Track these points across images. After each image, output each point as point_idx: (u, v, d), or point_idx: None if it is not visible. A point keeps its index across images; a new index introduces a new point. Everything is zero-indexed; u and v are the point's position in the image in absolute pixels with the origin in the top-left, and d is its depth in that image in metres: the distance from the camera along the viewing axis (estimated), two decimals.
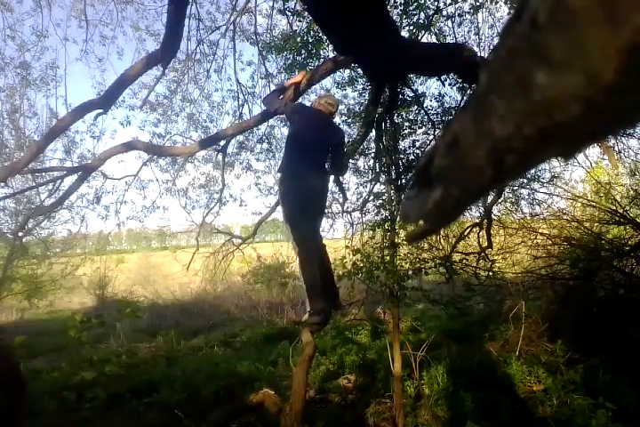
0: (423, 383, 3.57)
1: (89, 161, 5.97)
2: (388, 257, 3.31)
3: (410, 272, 3.29)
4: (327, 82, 6.70)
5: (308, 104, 3.04)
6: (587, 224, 4.66)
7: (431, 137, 4.15)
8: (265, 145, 6.31)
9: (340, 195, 4.85)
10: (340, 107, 5.51)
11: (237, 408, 2.21)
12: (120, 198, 6.70)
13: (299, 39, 4.23)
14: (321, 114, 2.53)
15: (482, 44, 4.86)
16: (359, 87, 4.55)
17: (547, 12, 0.16)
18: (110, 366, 4.89)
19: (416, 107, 4.20)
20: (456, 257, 4.62)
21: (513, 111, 0.18)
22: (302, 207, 2.33)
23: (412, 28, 3.78)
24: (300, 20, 4.30)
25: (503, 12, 5.25)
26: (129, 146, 3.69)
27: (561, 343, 3.88)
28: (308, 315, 2.38)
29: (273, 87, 6.14)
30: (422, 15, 3.79)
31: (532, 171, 4.65)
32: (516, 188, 5.26)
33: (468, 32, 4.76)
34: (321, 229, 2.66)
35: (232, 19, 5.56)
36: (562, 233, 4.88)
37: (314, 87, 4.71)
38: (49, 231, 8.95)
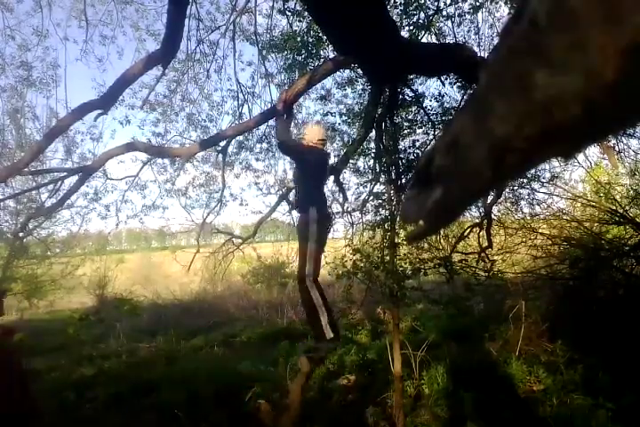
0: (423, 383, 3.56)
1: (89, 161, 5.98)
2: (387, 257, 3.32)
3: (409, 272, 3.29)
4: (327, 82, 6.70)
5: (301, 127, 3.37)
6: (587, 224, 4.66)
7: (431, 137, 4.14)
8: (265, 145, 6.30)
9: (340, 195, 4.84)
10: (340, 107, 5.52)
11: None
12: (120, 198, 6.70)
13: (299, 39, 4.23)
14: (321, 152, 2.89)
15: (482, 44, 4.85)
16: (359, 87, 4.55)
17: (546, 12, 0.16)
18: (110, 364, 4.91)
19: (416, 107, 4.20)
20: (456, 257, 4.62)
21: (513, 111, 0.18)
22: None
23: (411, 28, 3.78)
24: (299, 20, 4.30)
25: (503, 11, 5.24)
26: (129, 147, 3.70)
27: (561, 343, 3.88)
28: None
29: (273, 87, 6.15)
30: (422, 15, 3.80)
31: (532, 171, 4.65)
32: (516, 188, 5.25)
33: (468, 32, 4.76)
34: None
35: (232, 19, 5.56)
36: (562, 233, 4.87)
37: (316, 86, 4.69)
38: (49, 231, 8.95)
